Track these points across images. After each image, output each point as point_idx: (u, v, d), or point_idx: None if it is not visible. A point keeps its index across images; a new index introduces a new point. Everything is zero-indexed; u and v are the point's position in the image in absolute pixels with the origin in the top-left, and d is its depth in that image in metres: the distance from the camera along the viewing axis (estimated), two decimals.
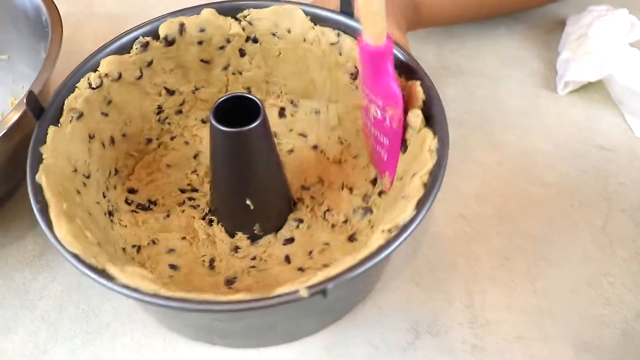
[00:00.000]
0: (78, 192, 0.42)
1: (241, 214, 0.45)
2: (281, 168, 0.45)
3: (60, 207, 0.37)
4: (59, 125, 0.42)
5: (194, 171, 0.50)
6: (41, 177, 0.38)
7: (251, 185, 0.43)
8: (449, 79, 0.62)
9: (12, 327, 0.46)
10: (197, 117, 0.53)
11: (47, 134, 0.41)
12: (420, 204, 0.36)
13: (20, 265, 0.50)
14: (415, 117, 0.41)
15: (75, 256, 0.35)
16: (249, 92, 0.52)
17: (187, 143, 0.52)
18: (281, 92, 0.52)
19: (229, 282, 0.44)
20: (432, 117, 0.41)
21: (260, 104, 0.40)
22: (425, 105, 0.42)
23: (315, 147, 0.52)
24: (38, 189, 0.38)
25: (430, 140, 0.40)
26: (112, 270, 0.34)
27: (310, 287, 0.33)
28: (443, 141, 0.39)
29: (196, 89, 0.51)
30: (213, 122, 0.40)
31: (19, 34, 0.55)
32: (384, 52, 0.39)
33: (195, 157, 0.52)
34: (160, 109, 0.50)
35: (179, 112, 0.52)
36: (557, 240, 0.49)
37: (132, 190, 0.49)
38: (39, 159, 0.40)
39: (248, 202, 0.43)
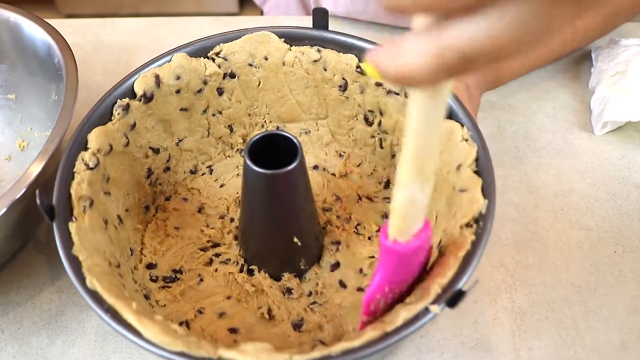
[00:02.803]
0: (123, 285, 0.37)
1: (288, 253, 0.43)
2: (313, 197, 0.44)
3: (131, 308, 0.33)
4: (74, 219, 0.37)
5: (207, 225, 0.47)
6: (93, 282, 0.33)
7: (297, 222, 0.41)
8: (478, 113, 0.57)
9: None
10: (185, 169, 0.49)
11: (69, 232, 0.36)
12: (486, 192, 0.38)
13: (37, 328, 0.45)
14: None
15: (183, 354, 0.31)
16: (232, 130, 0.50)
17: (185, 199, 0.48)
18: (265, 121, 0.50)
19: (297, 326, 0.42)
20: (454, 113, 0.42)
21: (294, 138, 0.38)
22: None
23: (315, 167, 0.51)
24: (97, 297, 0.33)
25: (459, 130, 0.41)
26: (229, 354, 0.31)
27: (437, 302, 0.33)
28: (475, 129, 0.40)
29: (180, 141, 0.48)
30: (253, 167, 0.37)
31: (29, 73, 0.52)
32: (412, 251, 0.31)
33: (199, 211, 0.48)
34: (150, 171, 0.46)
35: (167, 169, 0.48)
36: (603, 289, 0.47)
37: (150, 266, 0.44)
38: (77, 263, 0.34)
39: (295, 239, 0.42)
